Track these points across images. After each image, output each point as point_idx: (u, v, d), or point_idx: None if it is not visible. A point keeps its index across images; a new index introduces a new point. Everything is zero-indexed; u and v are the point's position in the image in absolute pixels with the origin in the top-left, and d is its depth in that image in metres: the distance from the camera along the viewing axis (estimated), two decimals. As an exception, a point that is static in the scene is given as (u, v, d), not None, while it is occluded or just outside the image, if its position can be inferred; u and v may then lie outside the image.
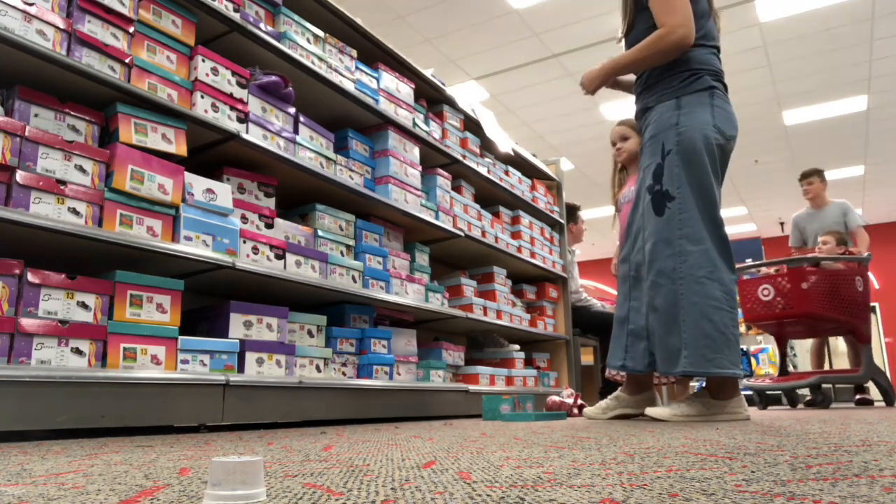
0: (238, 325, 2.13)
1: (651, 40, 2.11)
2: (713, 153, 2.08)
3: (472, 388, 3.20)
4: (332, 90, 2.66)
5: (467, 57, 6.41)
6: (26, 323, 1.56)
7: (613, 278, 3.28)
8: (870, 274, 4.74)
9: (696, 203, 2.05)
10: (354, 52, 2.85)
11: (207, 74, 2.17)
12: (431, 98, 3.45)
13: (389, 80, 3.03)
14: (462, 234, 3.34)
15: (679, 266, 2.04)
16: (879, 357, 9.36)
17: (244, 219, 2.26)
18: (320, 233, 2.56)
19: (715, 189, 2.07)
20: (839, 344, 4.90)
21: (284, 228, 2.41)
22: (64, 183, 1.71)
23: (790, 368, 4.62)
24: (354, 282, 2.62)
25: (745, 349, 6.70)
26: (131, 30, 1.98)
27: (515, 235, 4.00)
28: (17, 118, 1.71)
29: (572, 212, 4.83)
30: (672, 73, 2.16)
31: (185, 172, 2.02)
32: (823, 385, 4.16)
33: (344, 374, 2.54)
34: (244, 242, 2.18)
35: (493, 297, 3.73)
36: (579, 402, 3.10)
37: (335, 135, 2.82)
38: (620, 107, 7.31)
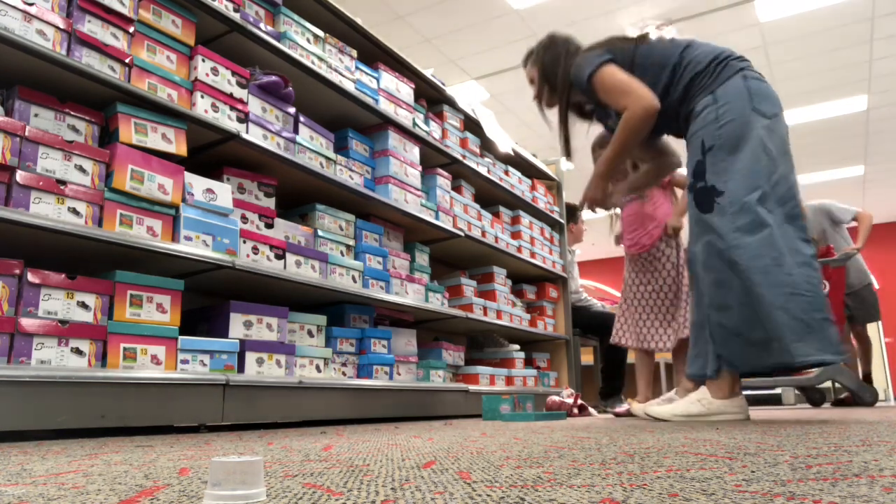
0: (238, 325, 2.13)
1: (621, 128, 2.14)
2: (759, 137, 2.03)
3: (472, 388, 3.20)
4: (332, 90, 2.66)
5: (467, 57, 6.41)
6: (26, 323, 1.56)
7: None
8: (868, 271, 4.71)
9: (747, 192, 1.98)
10: (354, 52, 2.85)
11: (207, 74, 2.17)
12: (431, 98, 3.45)
13: (389, 80, 3.03)
14: (462, 234, 3.34)
15: (739, 260, 1.96)
16: (880, 357, 9.33)
17: (244, 219, 2.26)
18: (320, 233, 2.56)
19: (762, 173, 1.99)
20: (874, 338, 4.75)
21: (284, 228, 2.41)
22: (64, 183, 1.71)
23: None
24: (354, 282, 2.62)
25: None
26: (131, 30, 1.98)
27: (515, 235, 3.99)
28: (17, 118, 1.71)
29: (572, 212, 4.83)
30: (698, 76, 2.12)
31: (185, 172, 2.02)
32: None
33: (344, 374, 2.54)
34: (244, 242, 2.18)
35: (493, 297, 3.73)
36: (579, 402, 3.10)
37: (335, 135, 2.82)
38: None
